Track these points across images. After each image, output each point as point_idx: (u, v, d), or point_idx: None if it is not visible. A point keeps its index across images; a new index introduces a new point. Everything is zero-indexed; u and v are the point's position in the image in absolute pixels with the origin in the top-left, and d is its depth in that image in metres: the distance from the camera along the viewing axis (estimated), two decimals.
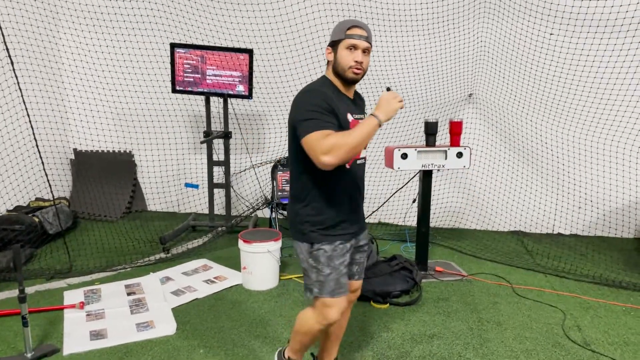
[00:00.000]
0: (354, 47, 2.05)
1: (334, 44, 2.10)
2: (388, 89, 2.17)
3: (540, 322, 3.21)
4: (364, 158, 2.24)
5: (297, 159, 2.11)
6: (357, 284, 2.36)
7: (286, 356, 2.38)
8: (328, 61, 2.15)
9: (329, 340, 2.45)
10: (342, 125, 2.03)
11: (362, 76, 2.12)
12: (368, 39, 2.08)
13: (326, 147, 1.90)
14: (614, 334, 3.07)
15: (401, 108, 2.04)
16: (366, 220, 5.16)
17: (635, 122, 4.68)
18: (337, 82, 2.13)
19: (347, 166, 2.13)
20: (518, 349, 2.88)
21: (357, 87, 2.31)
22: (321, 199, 2.12)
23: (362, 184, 2.25)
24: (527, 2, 4.54)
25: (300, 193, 2.14)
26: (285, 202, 4.70)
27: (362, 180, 2.25)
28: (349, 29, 2.05)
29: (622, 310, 3.40)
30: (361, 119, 2.14)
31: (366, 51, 2.08)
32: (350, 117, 2.08)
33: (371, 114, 1.99)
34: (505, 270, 4.08)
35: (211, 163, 4.89)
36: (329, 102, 2.01)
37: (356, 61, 2.04)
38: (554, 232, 5.14)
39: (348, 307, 2.42)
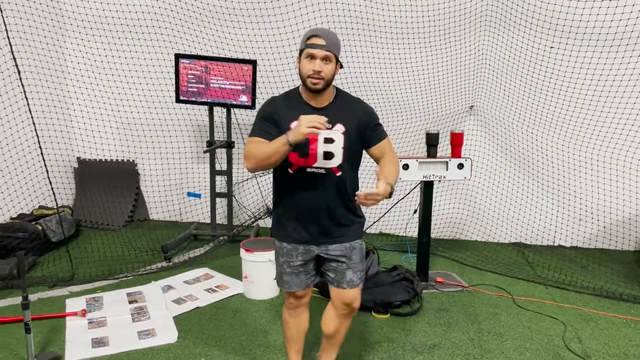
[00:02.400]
0: (312, 57, 2.05)
1: (299, 54, 2.12)
2: None
3: (540, 333, 3.21)
4: (328, 169, 2.16)
5: None
6: (346, 294, 2.29)
7: None
8: None
9: (324, 340, 2.54)
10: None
11: (325, 85, 2.08)
12: (328, 47, 2.05)
13: (246, 153, 2.14)
14: (614, 346, 3.07)
15: (314, 132, 1.94)
16: (367, 231, 5.21)
17: (635, 134, 4.71)
18: (304, 92, 2.17)
19: (290, 171, 2.19)
20: None
21: (365, 97, 2.33)
22: (278, 199, 2.32)
23: (325, 194, 2.19)
24: (527, 16, 4.59)
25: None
26: None
27: (327, 191, 2.19)
28: (308, 38, 2.07)
29: (623, 323, 3.40)
30: (328, 128, 2.06)
31: (327, 59, 2.05)
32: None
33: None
34: (506, 282, 4.09)
35: (214, 172, 4.92)
36: (272, 111, 2.16)
37: (314, 70, 2.04)
38: (555, 244, 5.15)
39: (342, 317, 2.38)
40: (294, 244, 2.28)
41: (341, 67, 2.19)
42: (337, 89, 2.25)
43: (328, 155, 2.16)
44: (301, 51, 2.10)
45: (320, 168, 2.17)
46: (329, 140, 2.15)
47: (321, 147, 2.15)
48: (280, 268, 2.36)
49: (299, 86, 2.22)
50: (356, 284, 2.30)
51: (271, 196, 5.31)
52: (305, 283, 2.35)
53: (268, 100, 2.23)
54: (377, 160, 2.29)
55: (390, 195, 2.05)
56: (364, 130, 2.21)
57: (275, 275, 2.43)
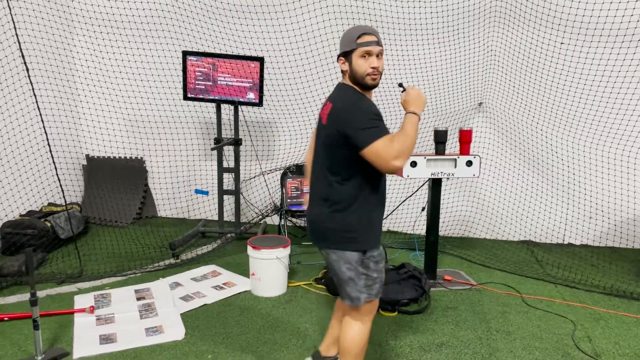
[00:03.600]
0: (367, 54, 2.08)
1: (346, 54, 2.12)
2: (400, 85, 2.25)
3: (550, 332, 3.18)
4: None
5: (344, 166, 2.11)
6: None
7: None
8: (343, 71, 2.17)
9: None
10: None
11: (379, 79, 2.14)
12: (379, 42, 2.10)
13: (395, 152, 1.97)
14: (624, 345, 3.03)
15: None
16: None
17: None
18: (359, 90, 2.15)
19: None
20: (527, 359, 2.86)
21: (373, 94, 2.34)
22: (370, 205, 2.17)
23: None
24: (537, 12, 4.54)
25: (345, 200, 2.12)
26: (295, 209, 4.71)
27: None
28: (359, 37, 2.08)
29: (634, 322, 3.36)
30: None
31: (379, 55, 2.10)
32: None
33: (409, 112, 2.07)
34: (515, 280, 4.05)
35: (221, 170, 4.92)
36: (378, 109, 2.09)
37: (373, 67, 2.07)
38: (565, 242, 5.10)
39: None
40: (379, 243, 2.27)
41: None
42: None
43: None
44: (351, 51, 2.09)
45: None
46: None
47: None
48: (382, 275, 2.28)
49: (348, 86, 2.17)
50: None
51: (278, 193, 5.32)
52: None
53: (366, 101, 2.12)
54: None
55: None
56: None
57: (375, 290, 2.25)
